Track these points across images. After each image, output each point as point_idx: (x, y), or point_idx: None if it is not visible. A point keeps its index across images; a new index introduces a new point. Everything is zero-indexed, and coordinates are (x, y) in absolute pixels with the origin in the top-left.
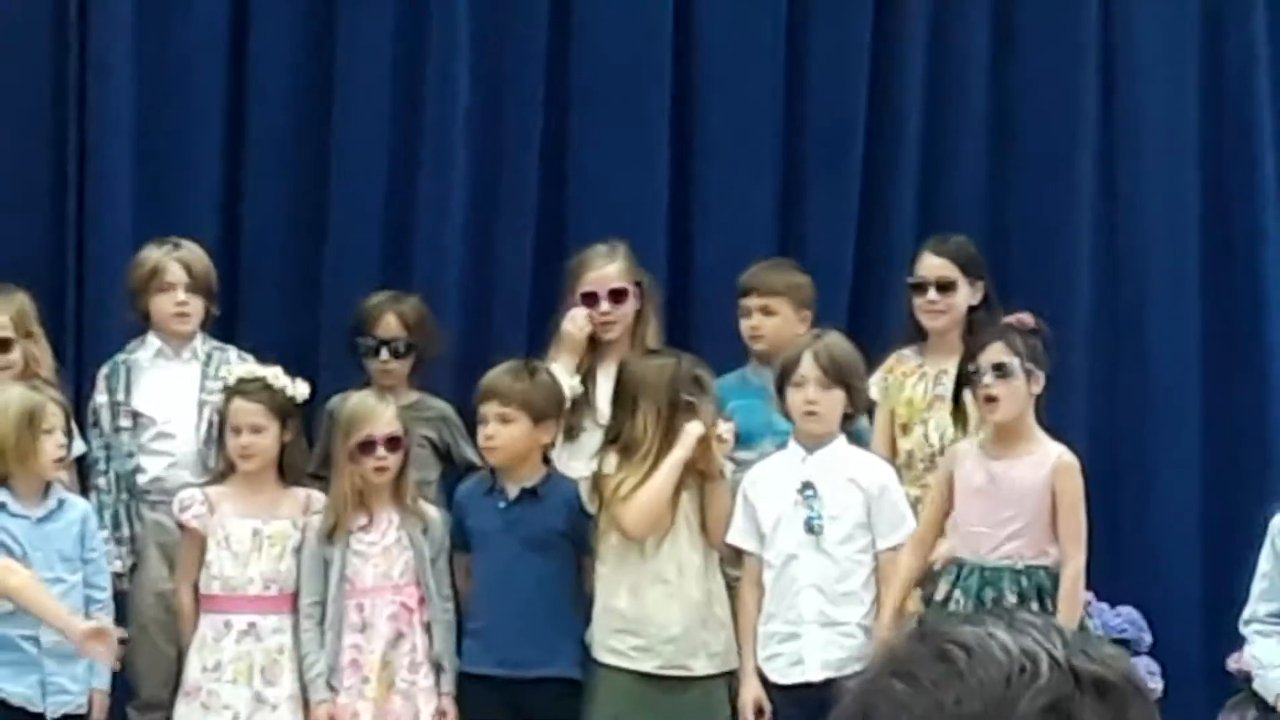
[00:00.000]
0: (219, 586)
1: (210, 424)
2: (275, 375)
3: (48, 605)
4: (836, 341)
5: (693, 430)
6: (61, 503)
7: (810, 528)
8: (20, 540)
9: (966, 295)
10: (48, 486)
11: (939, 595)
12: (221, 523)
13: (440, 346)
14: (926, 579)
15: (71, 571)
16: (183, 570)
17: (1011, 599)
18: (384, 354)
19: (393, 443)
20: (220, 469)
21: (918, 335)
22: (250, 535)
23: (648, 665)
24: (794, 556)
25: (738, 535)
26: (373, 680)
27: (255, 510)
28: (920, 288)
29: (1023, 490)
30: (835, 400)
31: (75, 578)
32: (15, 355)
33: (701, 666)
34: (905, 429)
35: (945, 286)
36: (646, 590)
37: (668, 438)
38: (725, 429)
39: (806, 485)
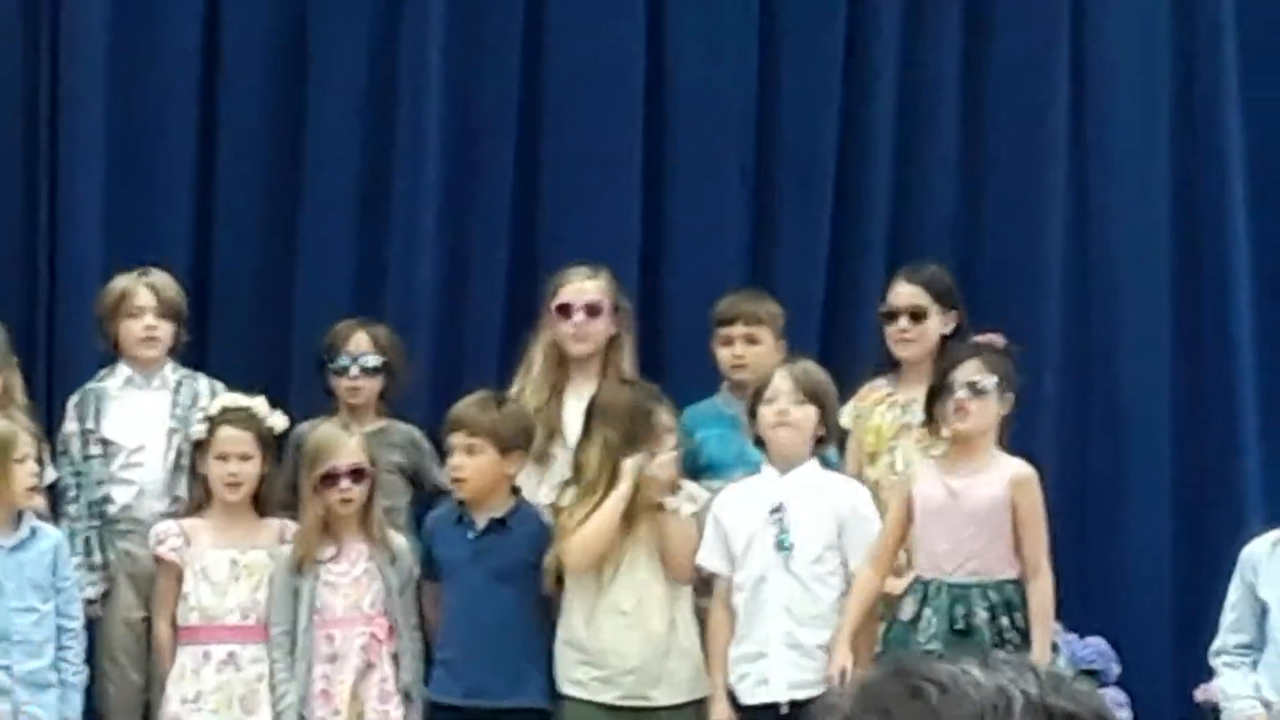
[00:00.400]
0: (197, 618)
1: (179, 452)
2: (260, 405)
3: None
4: (810, 364)
5: (628, 466)
6: (34, 531)
7: (781, 545)
8: None
9: (939, 324)
10: (20, 515)
11: (905, 615)
12: (199, 554)
13: (409, 376)
14: (889, 601)
15: (44, 601)
16: (160, 603)
17: (983, 615)
18: (354, 370)
19: (356, 474)
20: (196, 499)
21: (890, 365)
22: (228, 565)
23: (608, 696)
24: (763, 578)
25: (707, 557)
26: (344, 712)
27: (232, 541)
28: (892, 316)
29: (982, 506)
30: (807, 416)
31: (47, 607)
32: None
33: (664, 696)
34: (872, 458)
35: (917, 315)
36: (604, 621)
37: (616, 472)
38: (662, 461)
39: (777, 506)
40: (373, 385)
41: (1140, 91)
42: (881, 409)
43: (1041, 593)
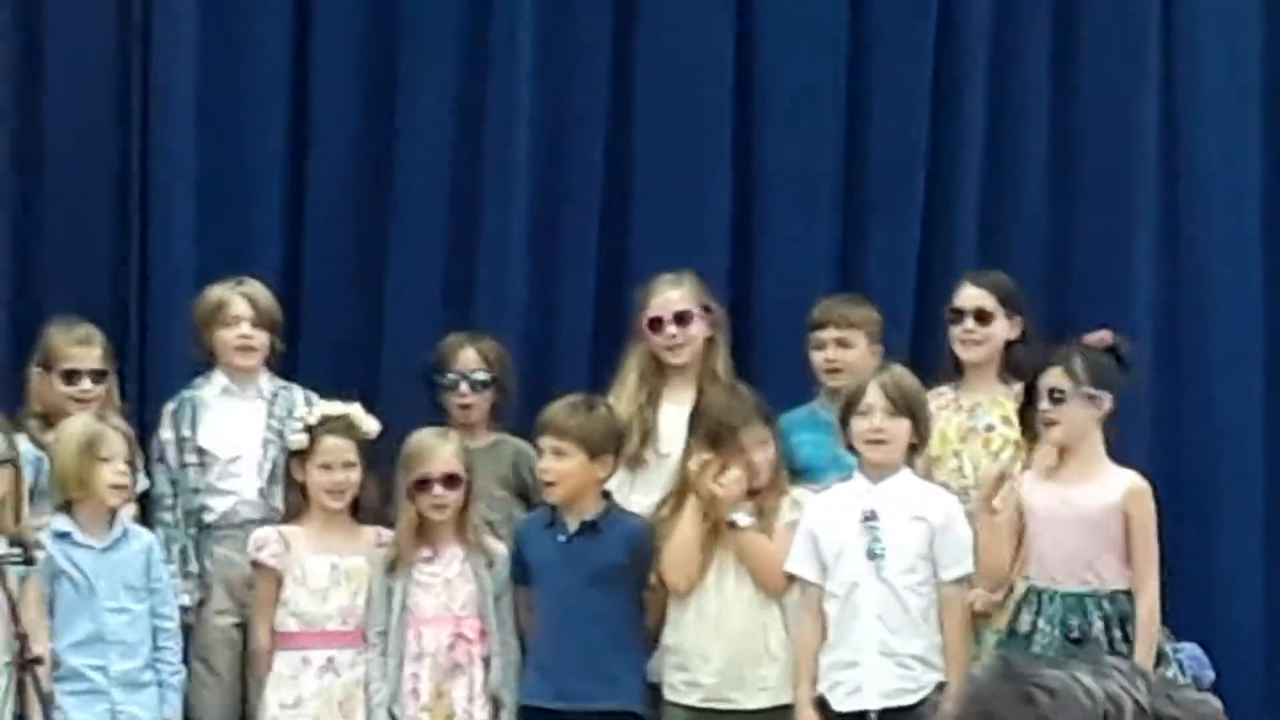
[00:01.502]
0: (296, 623)
1: (275, 464)
2: (357, 412)
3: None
4: (902, 373)
5: (696, 478)
6: (126, 532)
7: (871, 554)
8: (85, 570)
9: (1004, 328)
10: (113, 517)
11: (1022, 627)
12: (298, 560)
13: (514, 388)
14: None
15: (137, 601)
16: (259, 609)
17: (1098, 625)
18: (462, 387)
19: (451, 480)
20: (293, 507)
21: (955, 370)
22: (328, 571)
23: (693, 699)
24: (856, 585)
25: (797, 564)
26: (430, 709)
27: (330, 547)
28: (958, 317)
29: (1095, 514)
30: (901, 429)
31: (141, 607)
32: (103, 387)
33: (748, 700)
34: (938, 461)
35: (982, 317)
36: (691, 623)
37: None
38: (728, 478)
39: (870, 514)
40: (483, 400)
41: (1231, 92)
42: (946, 413)
43: (1148, 605)
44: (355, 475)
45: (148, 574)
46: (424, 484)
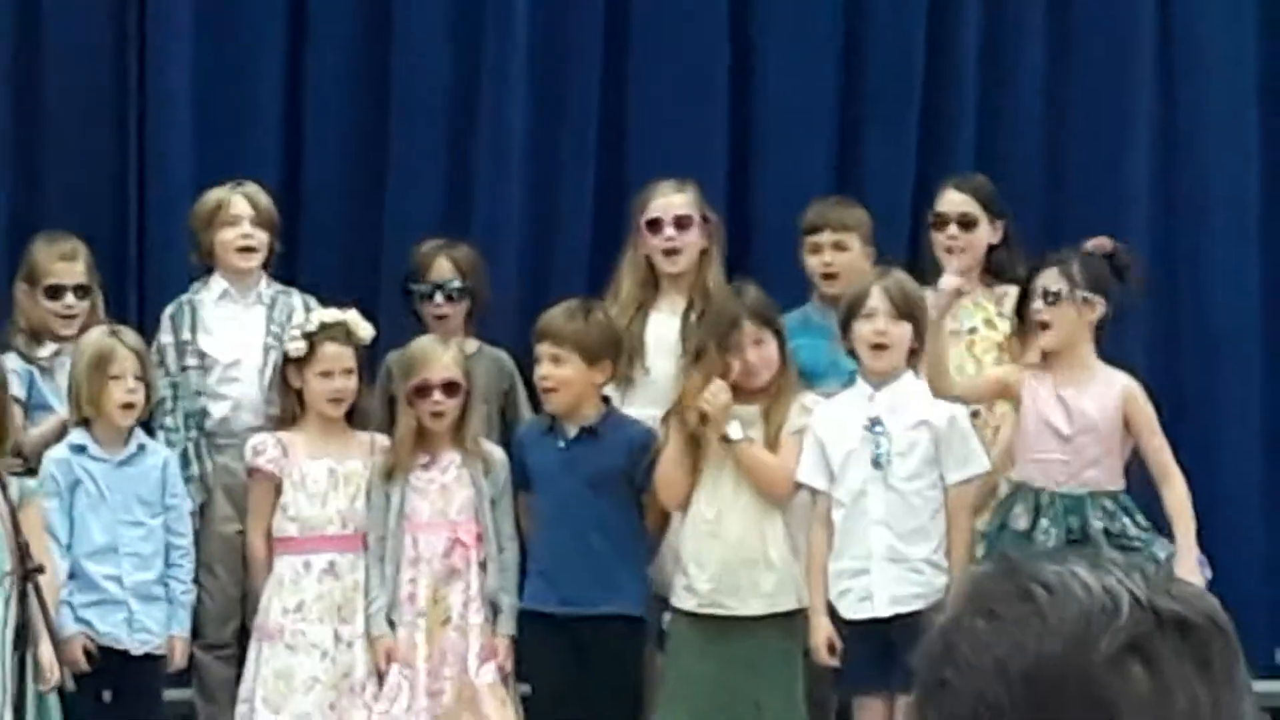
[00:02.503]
0: (296, 528)
1: (275, 369)
2: (354, 319)
3: (48, 608)
4: (903, 277)
5: (687, 390)
6: (142, 447)
7: (877, 462)
8: (100, 482)
9: (987, 233)
10: (129, 431)
11: (1020, 525)
12: (296, 465)
13: (489, 296)
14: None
15: (151, 515)
16: (256, 515)
17: (1097, 525)
18: (438, 298)
19: (449, 388)
20: (288, 413)
21: (939, 272)
22: (326, 475)
23: (690, 604)
24: (863, 493)
25: (807, 473)
26: (426, 614)
27: (328, 452)
28: (941, 223)
29: (1096, 418)
30: (903, 333)
31: (155, 522)
32: (88, 302)
33: (743, 606)
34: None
35: (966, 223)
36: (689, 529)
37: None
38: (711, 391)
39: (874, 421)
40: (459, 309)
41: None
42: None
43: (1178, 493)
44: (354, 382)
45: (163, 489)
46: (423, 390)
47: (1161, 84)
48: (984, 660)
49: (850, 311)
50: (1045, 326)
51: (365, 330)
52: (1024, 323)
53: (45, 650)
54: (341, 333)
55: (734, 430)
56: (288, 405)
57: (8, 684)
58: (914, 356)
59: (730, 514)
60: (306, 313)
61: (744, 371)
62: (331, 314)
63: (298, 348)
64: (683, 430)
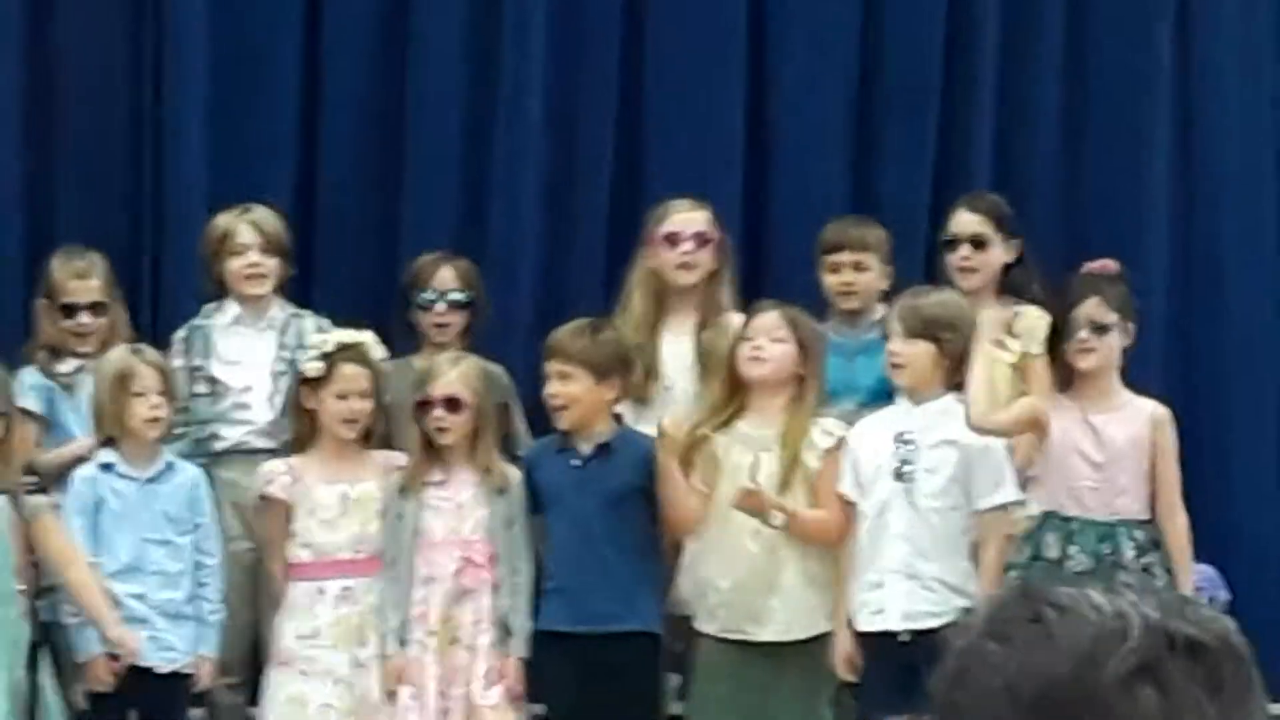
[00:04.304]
0: (309, 554)
1: (289, 390)
2: (370, 340)
3: (96, 602)
4: (926, 296)
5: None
6: (170, 465)
7: (899, 474)
8: (127, 501)
9: (1000, 253)
10: (156, 449)
11: (1051, 553)
12: (308, 491)
13: (488, 311)
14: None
15: (179, 534)
16: (272, 543)
17: (1130, 554)
18: (440, 306)
19: (451, 404)
20: (301, 435)
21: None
22: (338, 500)
23: (711, 628)
24: (886, 506)
25: (846, 487)
26: (437, 633)
27: (341, 476)
28: (953, 244)
29: (1125, 445)
30: (920, 352)
31: (184, 540)
32: (105, 319)
33: (760, 632)
34: None
35: (979, 243)
36: (707, 554)
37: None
38: (742, 492)
39: (902, 434)
40: (458, 320)
41: (1246, 7)
42: None
43: (1180, 532)
44: (370, 404)
45: (191, 508)
46: (425, 405)
47: (1178, 103)
48: (994, 682)
49: (883, 333)
50: (1087, 353)
51: (380, 352)
52: (1053, 351)
53: (114, 631)
54: (358, 354)
55: (776, 519)
56: (301, 427)
57: (21, 700)
58: (951, 376)
59: (742, 536)
60: (321, 334)
61: (751, 362)
62: (349, 335)
63: (315, 368)
64: (672, 457)
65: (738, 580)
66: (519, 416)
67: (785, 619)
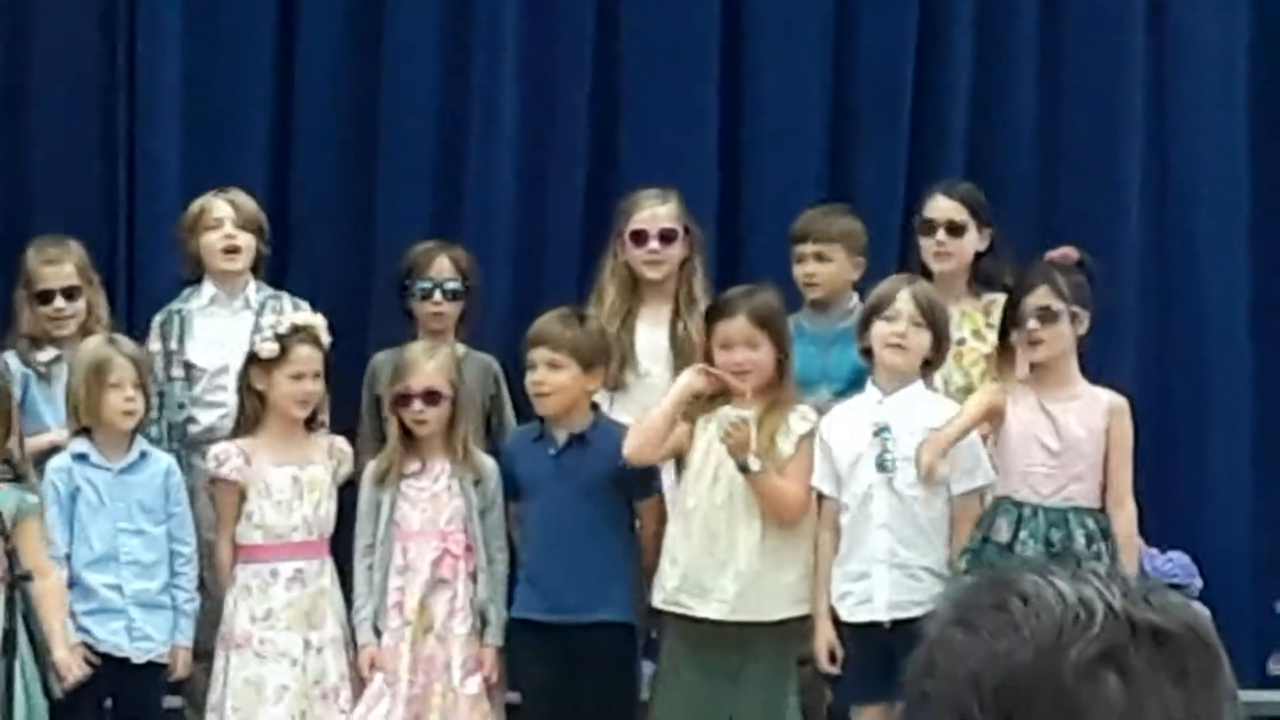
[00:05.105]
0: (262, 536)
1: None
2: (322, 324)
3: (54, 619)
4: (930, 288)
5: (685, 377)
6: (144, 455)
7: (882, 465)
8: (101, 491)
9: (974, 240)
10: (131, 439)
11: (1001, 537)
12: (260, 473)
13: (481, 300)
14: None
15: (154, 524)
16: (223, 524)
17: (1080, 541)
18: (437, 295)
19: (430, 396)
20: (251, 416)
21: (925, 279)
22: (290, 483)
23: (656, 598)
24: (868, 496)
25: (817, 479)
26: (411, 623)
27: (290, 458)
28: (929, 229)
29: (1082, 433)
30: (922, 340)
31: (158, 530)
32: (80, 304)
33: (703, 608)
34: None
35: (954, 229)
36: (672, 522)
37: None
38: (735, 422)
39: (882, 425)
40: (454, 309)
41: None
42: None
43: (1128, 523)
44: (321, 386)
45: (166, 497)
46: (404, 398)
47: (1153, 95)
48: (959, 671)
49: (873, 310)
50: (1035, 344)
51: (327, 337)
52: (1005, 341)
53: (60, 652)
54: (313, 336)
55: (754, 463)
56: (251, 409)
57: None
58: (928, 368)
59: (696, 512)
60: (276, 316)
61: (732, 369)
62: (303, 317)
63: (270, 349)
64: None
65: (693, 555)
66: (509, 406)
67: (732, 599)
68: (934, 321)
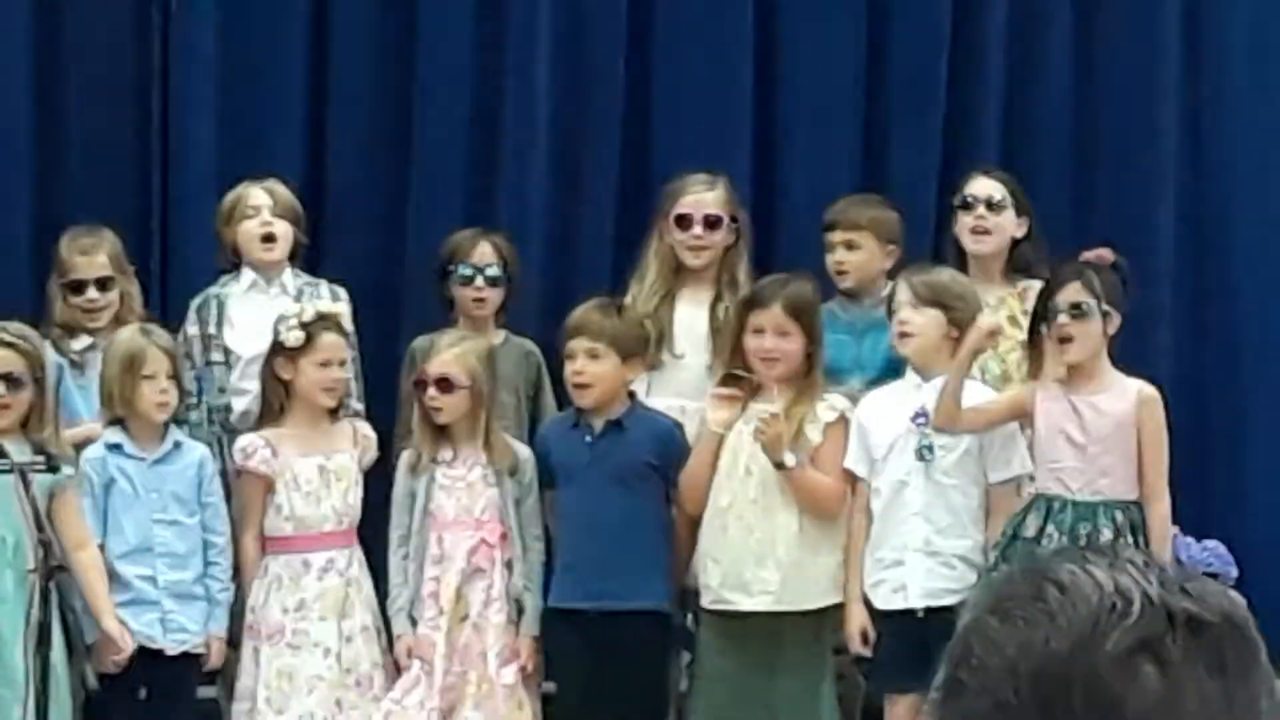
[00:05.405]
0: (292, 527)
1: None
2: (345, 310)
3: (98, 589)
4: (936, 268)
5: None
6: (178, 445)
7: (921, 455)
8: (134, 481)
9: (1013, 222)
10: (165, 429)
11: (1029, 531)
12: (287, 464)
13: (520, 287)
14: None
15: (188, 514)
16: (249, 517)
17: (1107, 534)
18: (479, 281)
19: (443, 384)
20: (277, 405)
21: (962, 267)
22: (318, 473)
23: (705, 600)
24: (904, 484)
25: (852, 461)
26: (447, 612)
27: (316, 447)
28: (969, 206)
29: (1109, 426)
30: (930, 320)
31: (192, 520)
32: (113, 294)
33: (750, 602)
34: None
35: (994, 206)
36: (707, 522)
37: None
38: (768, 418)
39: (920, 412)
40: (496, 296)
41: None
42: None
43: (1161, 516)
44: (348, 373)
45: (199, 487)
46: (420, 384)
47: (1188, 87)
48: (995, 660)
49: (889, 308)
50: (1067, 340)
51: (350, 325)
52: (1034, 338)
53: (110, 623)
54: (335, 323)
55: (789, 459)
56: (275, 399)
57: (31, 683)
58: (957, 349)
59: (738, 507)
60: (299, 304)
61: (761, 355)
62: (326, 305)
63: (296, 337)
64: (712, 446)
65: (732, 551)
66: (549, 392)
67: (777, 591)
68: (938, 299)
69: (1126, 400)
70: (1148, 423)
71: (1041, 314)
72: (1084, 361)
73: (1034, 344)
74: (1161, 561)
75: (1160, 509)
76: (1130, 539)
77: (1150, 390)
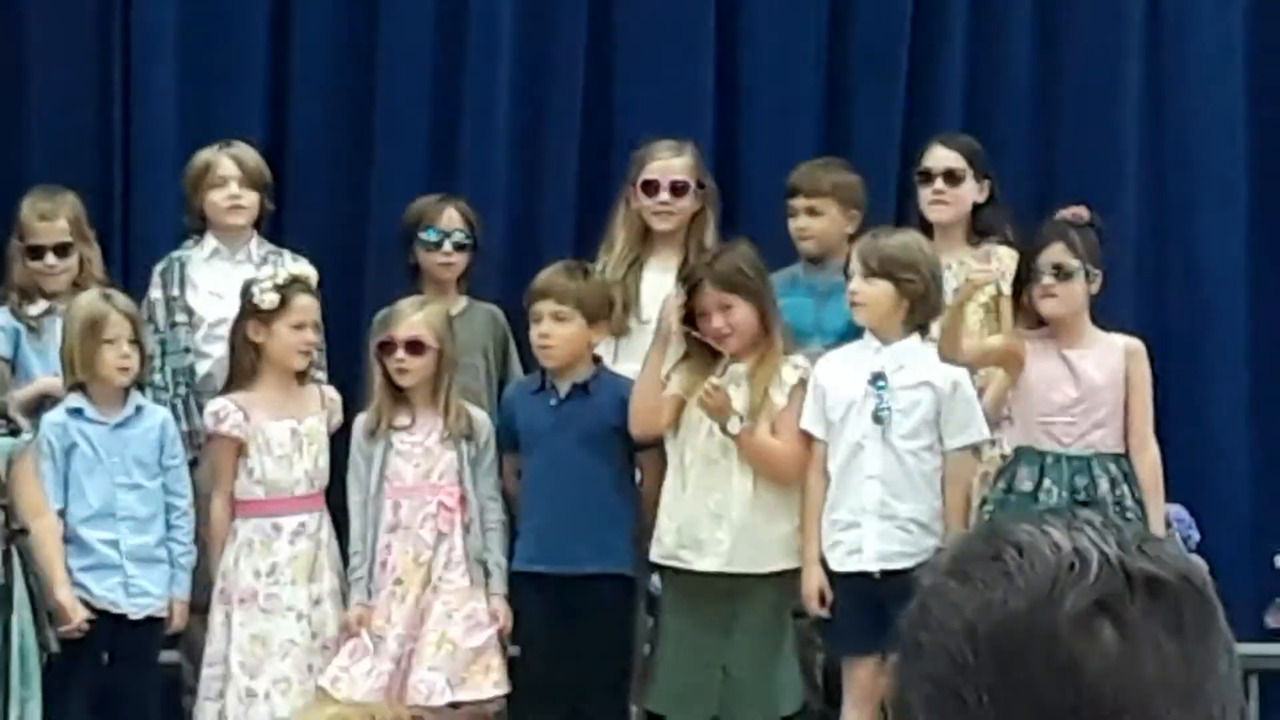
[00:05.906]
0: (263, 491)
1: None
2: (314, 273)
3: (54, 559)
4: (888, 236)
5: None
6: (140, 409)
7: (878, 417)
8: (96, 445)
9: (972, 190)
10: (127, 393)
11: (1024, 486)
12: (259, 427)
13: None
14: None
15: (149, 477)
16: (220, 480)
17: (1104, 487)
18: (446, 246)
19: (413, 346)
20: (247, 369)
21: (924, 233)
22: (289, 436)
23: (655, 554)
24: (860, 446)
25: (808, 421)
26: (405, 580)
27: (287, 411)
28: (927, 178)
29: (1103, 379)
30: (879, 291)
31: (153, 484)
32: (72, 260)
33: (700, 562)
34: None
35: (952, 178)
36: (666, 483)
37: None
38: (709, 387)
39: (877, 376)
40: (462, 261)
41: None
42: None
43: (1152, 465)
44: (320, 336)
45: (161, 450)
46: (388, 346)
47: (1149, 48)
48: (954, 622)
49: (845, 274)
50: (1050, 297)
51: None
52: (1018, 298)
53: (63, 593)
54: (307, 286)
55: (733, 425)
56: (247, 362)
57: None
58: (913, 317)
59: (694, 467)
60: (272, 268)
61: (713, 335)
62: (299, 267)
63: (271, 300)
64: (660, 359)
65: (689, 509)
66: (515, 356)
67: (728, 553)
68: (888, 270)
69: (1115, 353)
70: (1135, 372)
71: (1024, 275)
72: (1067, 319)
73: (1018, 304)
74: (1119, 522)
75: (1149, 457)
76: (1125, 490)
77: (1136, 343)
